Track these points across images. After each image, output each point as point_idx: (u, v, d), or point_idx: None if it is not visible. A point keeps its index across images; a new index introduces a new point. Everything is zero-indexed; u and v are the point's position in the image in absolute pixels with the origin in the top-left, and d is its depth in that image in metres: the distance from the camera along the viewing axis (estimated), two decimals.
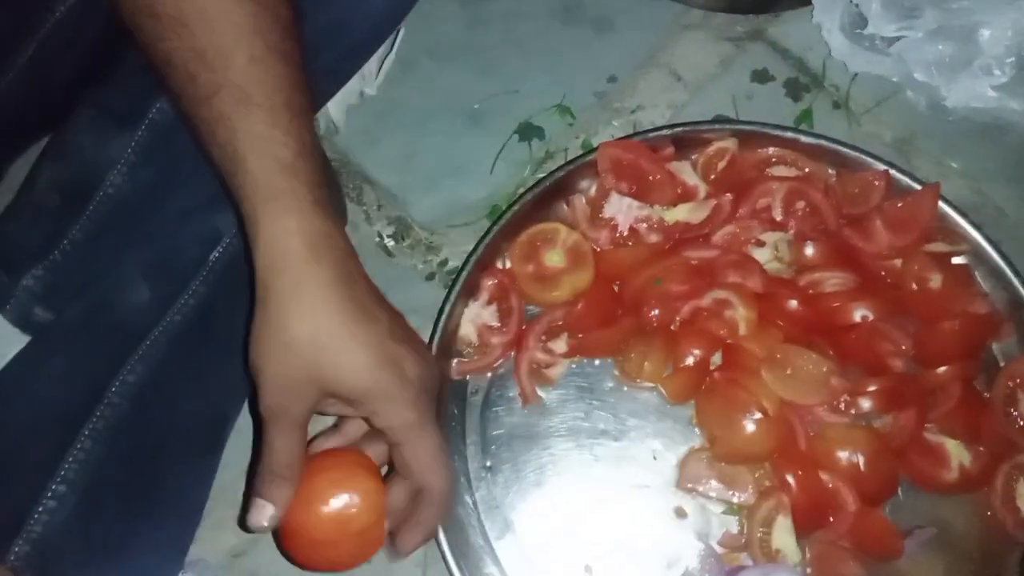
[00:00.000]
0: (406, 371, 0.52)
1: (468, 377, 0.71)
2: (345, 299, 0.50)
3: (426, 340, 0.66)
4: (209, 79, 0.49)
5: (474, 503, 0.69)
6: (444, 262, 0.77)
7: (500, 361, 0.71)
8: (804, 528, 0.65)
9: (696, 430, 0.69)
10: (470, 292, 0.71)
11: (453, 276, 0.71)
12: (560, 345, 0.71)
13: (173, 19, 0.49)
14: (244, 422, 0.67)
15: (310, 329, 0.49)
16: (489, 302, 0.71)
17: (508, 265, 0.73)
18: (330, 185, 0.55)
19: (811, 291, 0.70)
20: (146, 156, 0.62)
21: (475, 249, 0.71)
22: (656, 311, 0.70)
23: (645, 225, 0.72)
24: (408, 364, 0.52)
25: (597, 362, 0.71)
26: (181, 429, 0.61)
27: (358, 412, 0.54)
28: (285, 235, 0.49)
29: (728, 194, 0.72)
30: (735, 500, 0.67)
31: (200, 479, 0.63)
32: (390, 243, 0.78)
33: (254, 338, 0.51)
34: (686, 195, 0.73)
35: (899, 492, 0.67)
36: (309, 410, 0.52)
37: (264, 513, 0.51)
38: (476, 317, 0.71)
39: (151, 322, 0.60)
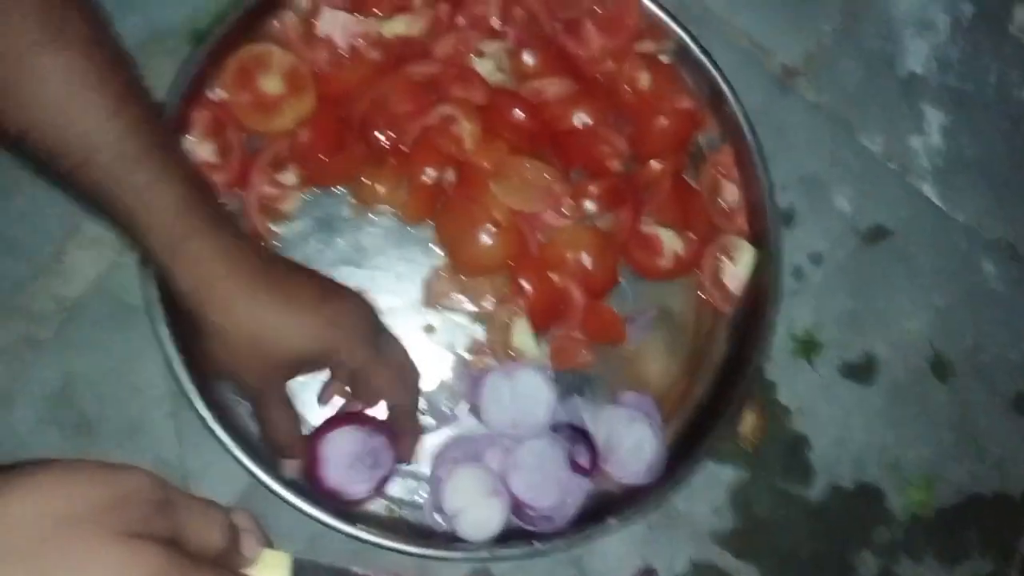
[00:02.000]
0: (341, 323, 0.59)
1: None
2: (267, 290, 0.56)
3: None
4: (77, 147, 0.49)
5: None
6: None
7: (226, 200, 0.67)
8: (541, 326, 0.69)
9: (436, 249, 0.70)
10: (181, 128, 0.65)
11: None
12: (289, 177, 0.68)
13: (16, 91, 0.48)
14: None
15: (249, 331, 0.55)
16: (204, 137, 0.66)
17: (220, 95, 0.67)
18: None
19: (533, 100, 0.70)
20: None
21: (177, 79, 0.64)
22: (385, 133, 0.68)
23: (363, 42, 0.69)
24: (341, 317, 0.59)
25: (332, 191, 0.70)
26: None
27: (322, 369, 0.64)
28: (195, 262, 0.53)
29: (444, 3, 0.70)
30: (478, 309, 0.70)
31: None
32: None
33: (208, 353, 0.57)
34: (403, 6, 0.70)
35: (622, 282, 0.72)
36: (283, 388, 0.61)
37: (291, 469, 0.65)
38: (192, 155, 0.66)
39: None
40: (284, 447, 0.63)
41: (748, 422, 0.76)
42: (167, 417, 0.67)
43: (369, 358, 0.61)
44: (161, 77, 0.66)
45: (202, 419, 0.63)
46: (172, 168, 0.52)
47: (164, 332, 0.63)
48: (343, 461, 0.63)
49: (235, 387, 0.63)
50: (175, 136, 0.56)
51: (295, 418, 0.63)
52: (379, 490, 0.65)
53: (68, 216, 0.67)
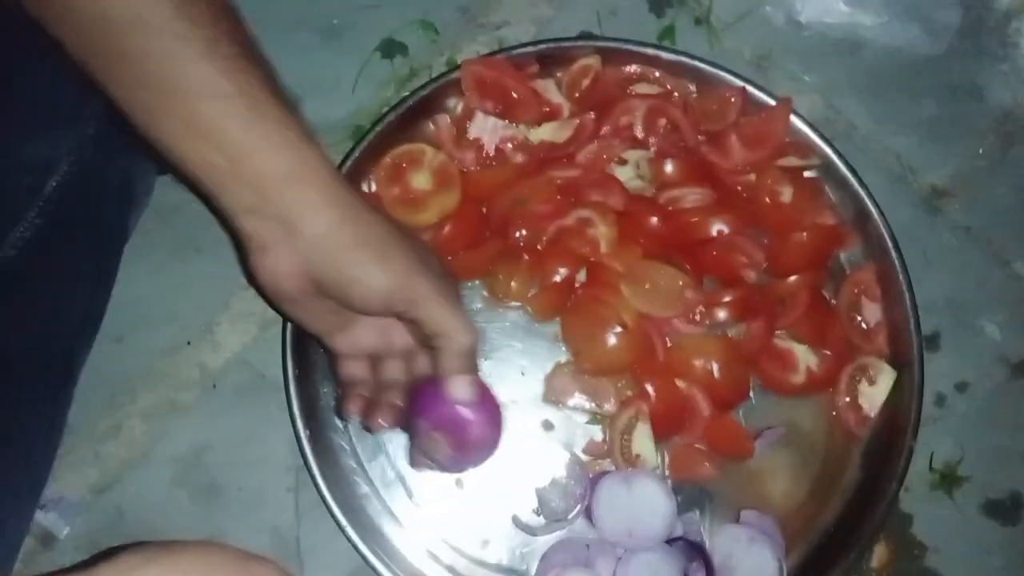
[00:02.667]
0: (421, 271, 0.54)
1: None
2: (347, 227, 0.51)
3: None
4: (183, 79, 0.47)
5: (345, 426, 0.69)
6: None
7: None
8: (662, 433, 0.68)
9: (561, 346, 0.71)
10: None
11: None
12: None
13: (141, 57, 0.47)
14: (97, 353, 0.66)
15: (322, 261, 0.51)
16: None
17: (373, 188, 0.71)
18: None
19: (670, 207, 0.71)
20: None
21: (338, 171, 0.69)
22: (522, 231, 0.70)
23: (511, 145, 0.72)
24: (416, 247, 0.55)
25: (466, 284, 0.71)
26: (23, 366, 0.58)
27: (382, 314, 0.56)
28: (278, 163, 0.49)
29: (591, 112, 0.72)
30: (598, 410, 0.69)
31: (51, 415, 0.61)
32: None
33: (256, 263, 0.52)
34: (551, 114, 0.73)
35: (751, 396, 0.71)
36: (353, 335, 0.59)
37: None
38: None
39: None
40: (349, 392, 0.60)
41: (879, 556, 0.72)
42: (288, 491, 0.69)
43: (432, 295, 0.54)
44: None
45: (322, 497, 0.65)
46: (271, 94, 0.50)
47: (296, 408, 0.66)
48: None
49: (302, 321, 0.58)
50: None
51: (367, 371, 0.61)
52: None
53: (222, 292, 0.72)
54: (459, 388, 0.57)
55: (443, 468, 0.61)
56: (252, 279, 0.53)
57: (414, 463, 0.64)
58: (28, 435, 0.59)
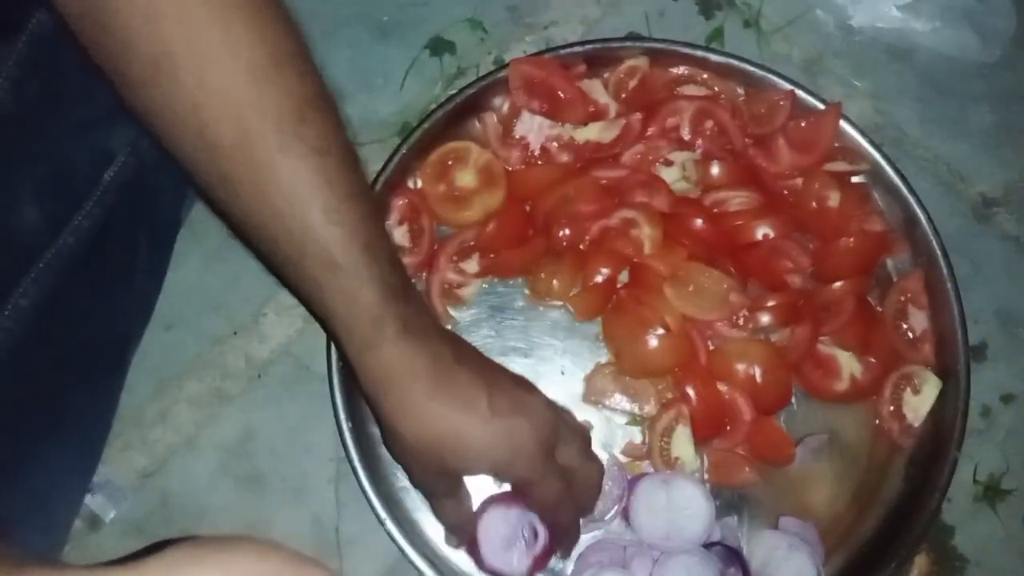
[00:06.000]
0: (513, 439, 0.57)
1: None
2: (446, 401, 0.55)
3: None
4: (291, 245, 0.52)
5: None
6: None
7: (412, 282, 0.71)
8: (703, 437, 0.68)
9: (602, 346, 0.71)
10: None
11: None
12: (471, 265, 0.71)
13: (245, 185, 0.50)
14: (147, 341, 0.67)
15: (423, 438, 0.56)
16: (400, 222, 0.71)
17: (419, 184, 0.72)
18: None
19: (716, 210, 0.71)
20: (30, 70, 0.59)
21: (384, 168, 0.69)
22: (566, 231, 0.70)
23: (556, 144, 0.72)
24: (517, 430, 0.57)
25: (508, 282, 0.72)
26: (80, 352, 0.60)
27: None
28: (380, 366, 0.54)
29: (638, 113, 0.72)
30: (638, 412, 0.69)
31: (103, 401, 0.63)
32: None
33: (388, 446, 0.60)
34: (597, 114, 0.73)
35: (793, 402, 0.70)
36: (456, 486, 0.62)
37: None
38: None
39: (43, 244, 0.58)
40: (456, 534, 0.65)
41: (919, 567, 0.70)
42: (330, 482, 0.70)
43: (536, 477, 0.59)
44: (370, 164, 0.72)
45: (362, 489, 0.65)
46: (375, 275, 0.53)
47: (339, 400, 0.66)
48: (498, 543, 0.64)
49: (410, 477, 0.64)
50: (385, 234, 0.57)
51: (468, 509, 0.64)
52: (540, 567, 0.65)
53: (269, 284, 0.72)
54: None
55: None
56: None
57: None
58: (82, 419, 0.61)
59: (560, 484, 0.60)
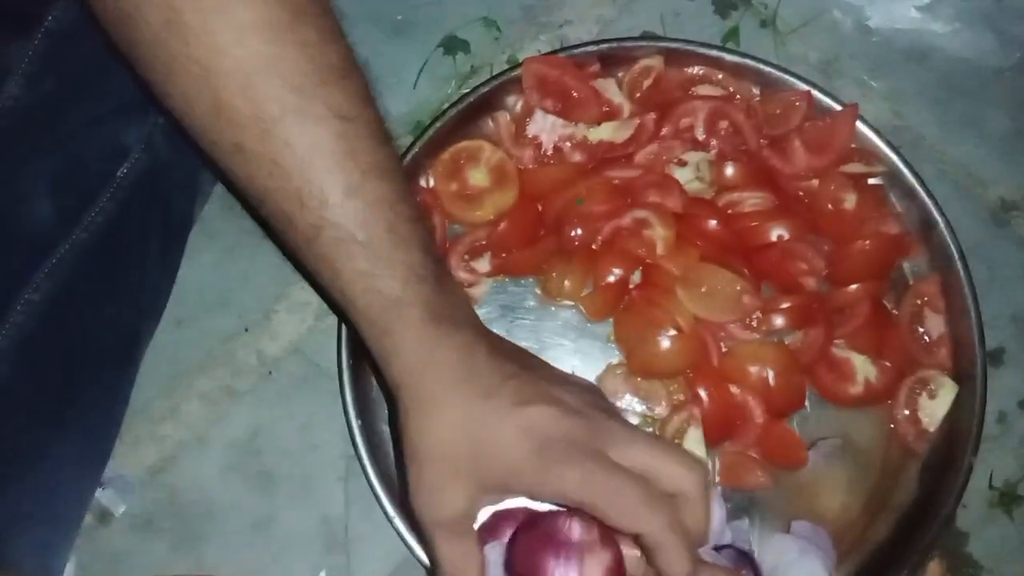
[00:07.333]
0: (537, 428, 0.49)
1: None
2: (468, 390, 0.50)
3: None
4: (307, 222, 0.48)
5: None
6: None
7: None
8: (714, 439, 0.67)
9: (614, 347, 0.70)
10: None
11: None
12: (483, 264, 0.71)
13: (261, 155, 0.47)
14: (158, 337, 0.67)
15: (441, 426, 0.50)
16: None
17: (431, 183, 0.72)
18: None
19: (730, 211, 0.70)
20: (45, 66, 0.60)
21: None
22: (578, 231, 0.70)
23: (569, 144, 0.72)
24: (538, 419, 0.50)
25: (520, 281, 0.72)
26: (91, 346, 0.60)
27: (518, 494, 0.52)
28: (398, 353, 0.50)
29: (652, 113, 0.72)
30: (649, 413, 0.69)
31: (114, 395, 0.63)
32: None
33: (401, 445, 0.52)
34: (611, 113, 0.73)
35: (806, 405, 0.69)
36: (462, 515, 0.51)
37: None
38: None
39: (56, 239, 0.58)
40: None
41: (932, 573, 0.70)
42: (339, 479, 0.70)
43: (588, 472, 0.49)
44: None
45: (371, 487, 0.65)
46: (399, 260, 0.49)
47: (349, 398, 0.66)
48: None
49: (418, 523, 0.53)
50: (418, 217, 0.51)
51: (476, 557, 0.52)
52: None
53: (280, 281, 0.73)
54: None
55: None
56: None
57: None
58: (92, 413, 0.61)
59: (636, 490, 0.49)
